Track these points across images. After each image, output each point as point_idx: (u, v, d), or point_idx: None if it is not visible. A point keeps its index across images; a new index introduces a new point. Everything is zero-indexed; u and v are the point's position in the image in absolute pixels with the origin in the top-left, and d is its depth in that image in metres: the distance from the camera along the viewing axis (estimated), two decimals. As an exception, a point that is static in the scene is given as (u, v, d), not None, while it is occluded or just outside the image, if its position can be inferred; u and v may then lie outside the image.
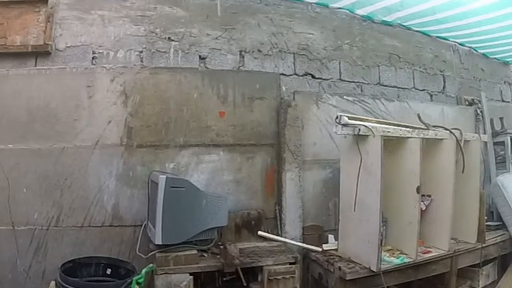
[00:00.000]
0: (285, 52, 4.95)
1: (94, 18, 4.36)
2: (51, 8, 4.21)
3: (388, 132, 3.90)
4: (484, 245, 4.57)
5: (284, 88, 4.83)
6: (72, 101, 4.16)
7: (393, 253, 4.02)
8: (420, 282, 4.42)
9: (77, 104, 4.16)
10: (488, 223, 4.93)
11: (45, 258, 4.05)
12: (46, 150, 4.08)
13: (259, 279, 3.80)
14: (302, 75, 5.01)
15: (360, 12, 5.35)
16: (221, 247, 3.86)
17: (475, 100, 6.25)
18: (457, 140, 4.30)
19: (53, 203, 4.07)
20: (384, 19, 5.49)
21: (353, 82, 5.31)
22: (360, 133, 3.78)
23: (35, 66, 4.20)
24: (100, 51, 4.34)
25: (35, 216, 4.04)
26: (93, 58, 4.32)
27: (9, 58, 4.16)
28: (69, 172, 4.11)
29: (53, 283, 3.61)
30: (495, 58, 6.82)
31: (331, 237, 4.46)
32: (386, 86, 5.54)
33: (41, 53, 4.20)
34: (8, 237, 3.99)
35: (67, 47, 4.28)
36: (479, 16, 4.98)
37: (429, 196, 4.33)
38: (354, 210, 3.92)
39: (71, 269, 3.72)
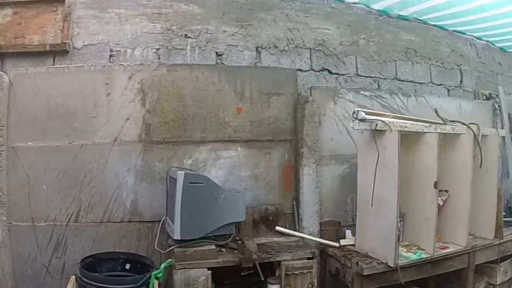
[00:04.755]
0: (301, 47, 4.95)
1: (111, 17, 4.39)
2: (68, 7, 4.25)
3: (405, 127, 3.89)
4: (501, 241, 4.53)
5: (301, 84, 4.83)
6: (91, 99, 4.20)
7: (411, 249, 4.00)
8: (437, 278, 4.43)
9: (95, 102, 4.20)
10: (505, 219, 4.87)
11: (64, 253, 4.10)
12: (65, 147, 4.13)
13: (277, 274, 3.82)
14: (318, 71, 5.01)
15: (376, 6, 5.32)
16: (239, 242, 3.87)
17: (492, 95, 6.20)
18: (474, 135, 4.28)
19: (73, 199, 4.12)
20: (400, 13, 5.46)
21: (370, 77, 5.29)
22: (377, 128, 3.77)
23: (53, 64, 4.26)
24: (118, 49, 4.38)
25: (54, 212, 4.09)
26: (110, 56, 4.36)
27: (27, 57, 4.23)
28: (88, 168, 4.15)
29: (73, 277, 3.67)
30: (512, 52, 6.77)
31: (348, 233, 4.45)
32: (403, 81, 5.50)
33: (59, 51, 4.25)
34: (28, 233, 4.06)
35: (84, 45, 4.32)
36: (496, 9, 4.94)
37: (447, 191, 4.31)
38: (372, 206, 3.92)
39: (91, 264, 3.77)
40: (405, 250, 3.96)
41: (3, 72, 4.06)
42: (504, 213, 4.72)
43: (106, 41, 4.37)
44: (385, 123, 3.77)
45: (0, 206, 3.94)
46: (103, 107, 4.21)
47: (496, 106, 6.11)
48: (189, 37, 4.56)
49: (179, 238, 3.60)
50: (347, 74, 5.16)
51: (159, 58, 4.45)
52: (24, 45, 4.20)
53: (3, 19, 4.22)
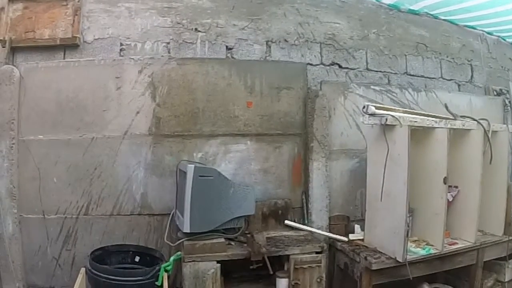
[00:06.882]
0: (311, 42, 4.92)
1: (121, 11, 4.41)
2: (78, 1, 4.27)
3: (415, 122, 3.87)
4: (510, 238, 4.50)
5: (311, 78, 4.82)
6: (101, 93, 4.22)
7: (419, 244, 3.99)
8: (446, 274, 4.41)
9: (105, 95, 4.23)
10: (515, 215, 4.87)
11: (74, 246, 4.15)
12: (76, 140, 4.16)
13: (286, 267, 3.83)
14: (329, 65, 4.98)
15: (387, 1, 5.27)
16: (248, 235, 3.88)
17: (503, 90, 6.14)
18: (484, 130, 4.25)
19: (83, 192, 4.15)
20: (411, 7, 5.42)
21: (380, 71, 5.25)
22: (387, 123, 3.75)
23: (64, 58, 4.29)
24: (128, 43, 4.39)
25: (65, 205, 4.14)
26: (120, 50, 4.37)
27: (38, 51, 4.26)
28: (99, 162, 4.19)
29: (83, 270, 3.70)
30: (524, 47, 6.71)
31: (357, 227, 4.43)
32: (413, 75, 5.45)
33: (69, 45, 4.27)
34: (39, 226, 4.10)
35: (95, 39, 4.34)
36: (507, 4, 4.89)
37: (456, 187, 4.29)
38: (381, 200, 3.91)
39: (101, 256, 3.81)
40: (414, 245, 3.95)
41: (14, 66, 4.10)
42: (514, 210, 4.70)
43: (116, 35, 4.38)
44: (395, 117, 3.76)
45: (11, 198, 3.98)
46: (113, 100, 4.24)
47: (507, 102, 6.05)
48: (199, 31, 4.56)
49: (188, 231, 3.61)
50: (357, 68, 5.13)
51: (169, 52, 4.46)
52: (35, 39, 4.23)
53: (14, 14, 4.24)
